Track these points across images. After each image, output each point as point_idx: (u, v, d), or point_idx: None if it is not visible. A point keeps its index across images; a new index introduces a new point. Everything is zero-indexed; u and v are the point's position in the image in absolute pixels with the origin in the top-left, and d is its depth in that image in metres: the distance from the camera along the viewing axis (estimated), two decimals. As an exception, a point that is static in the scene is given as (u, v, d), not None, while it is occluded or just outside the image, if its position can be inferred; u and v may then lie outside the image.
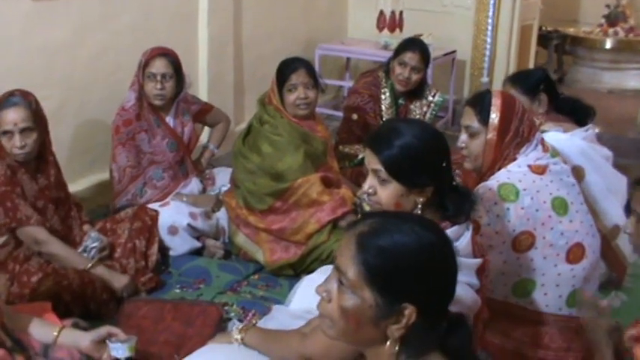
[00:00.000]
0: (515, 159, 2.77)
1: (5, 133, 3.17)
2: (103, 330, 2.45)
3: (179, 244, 3.76)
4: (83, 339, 2.43)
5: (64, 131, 4.16)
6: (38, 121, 3.24)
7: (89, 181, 4.38)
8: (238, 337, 2.42)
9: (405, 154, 2.18)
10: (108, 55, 4.45)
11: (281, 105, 3.78)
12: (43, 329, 2.45)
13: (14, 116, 3.16)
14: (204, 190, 4.17)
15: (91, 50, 4.36)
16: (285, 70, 3.78)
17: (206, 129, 4.56)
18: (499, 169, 2.77)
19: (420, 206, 2.21)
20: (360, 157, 4.38)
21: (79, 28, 4.26)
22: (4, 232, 3.23)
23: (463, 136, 2.85)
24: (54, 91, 4.04)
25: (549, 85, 3.63)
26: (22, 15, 3.94)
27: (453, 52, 6.32)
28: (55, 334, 2.43)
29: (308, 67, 3.82)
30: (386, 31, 6.23)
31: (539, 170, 2.75)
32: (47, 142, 3.36)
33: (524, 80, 3.61)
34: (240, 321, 3.17)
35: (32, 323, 2.46)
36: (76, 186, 4.07)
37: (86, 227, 3.55)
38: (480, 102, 2.81)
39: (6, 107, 3.18)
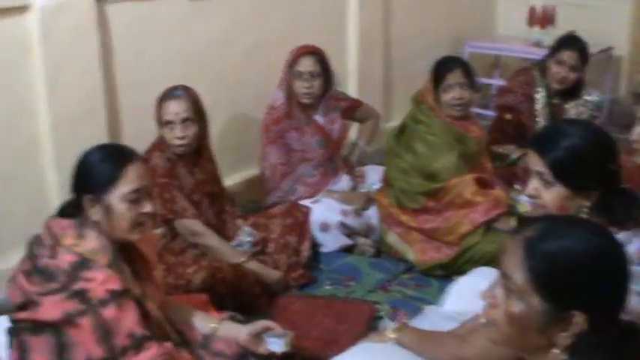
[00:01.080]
0: (698, 157, 2.62)
1: (167, 123, 3.30)
2: (261, 324, 2.48)
3: (330, 241, 3.77)
4: (241, 332, 2.46)
5: (216, 127, 4.24)
6: (198, 114, 3.36)
7: (239, 177, 4.46)
8: (393, 336, 2.40)
9: (571, 155, 2.10)
10: (258, 53, 4.51)
11: (436, 104, 3.74)
12: (203, 321, 2.51)
13: (176, 107, 3.30)
14: (354, 188, 4.15)
15: (242, 48, 4.44)
16: (442, 69, 3.73)
17: (355, 125, 4.57)
18: (676, 166, 2.63)
19: (585, 210, 2.13)
20: (513, 157, 4.29)
21: (232, 27, 4.35)
22: (162, 223, 3.35)
23: (639, 128, 2.72)
24: (207, 88, 4.10)
25: None
26: (179, 14, 4.06)
27: (610, 48, 6.07)
28: (216, 325, 2.48)
29: (465, 66, 3.75)
30: (537, 27, 6.04)
31: None
32: (206, 137, 3.46)
33: None
34: (391, 320, 3.16)
35: (192, 314, 2.52)
36: (226, 181, 4.12)
37: (239, 222, 3.62)
38: None
39: (169, 99, 3.33)
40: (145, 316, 2.21)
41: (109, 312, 2.10)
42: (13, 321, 2.21)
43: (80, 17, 3.57)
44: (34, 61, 3.49)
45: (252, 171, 4.40)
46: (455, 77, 3.67)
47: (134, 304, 2.17)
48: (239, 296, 3.23)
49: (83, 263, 2.13)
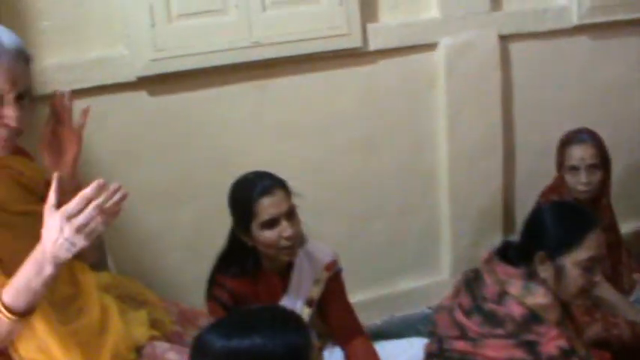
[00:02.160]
0: None
1: (571, 168, 3.20)
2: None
3: None
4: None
5: (615, 172, 4.05)
6: (604, 160, 3.23)
7: (632, 226, 4.21)
8: None
9: None
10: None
11: None
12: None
13: (582, 152, 3.20)
14: None
15: (645, 91, 4.19)
16: None
17: None
18: None
19: None
20: None
21: (635, 66, 4.12)
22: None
23: None
24: (606, 132, 3.93)
25: None
26: (581, 54, 3.95)
27: None
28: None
29: None
30: None
31: None
32: (607, 184, 3.31)
33: None
34: None
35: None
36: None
37: (636, 276, 3.41)
38: None
39: (574, 143, 3.24)
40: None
41: None
42: (441, 348, 2.27)
43: (483, 55, 3.63)
44: (438, 96, 3.62)
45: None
46: None
47: None
48: (636, 357, 3.01)
49: (534, 317, 2.13)
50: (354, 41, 3.38)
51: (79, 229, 1.55)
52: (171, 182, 3.24)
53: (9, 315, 1.63)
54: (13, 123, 1.71)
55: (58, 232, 1.56)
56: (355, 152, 3.53)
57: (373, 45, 3.44)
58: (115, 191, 1.59)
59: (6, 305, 1.63)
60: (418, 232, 3.73)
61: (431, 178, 3.68)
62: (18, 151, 1.93)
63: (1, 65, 1.68)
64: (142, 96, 3.17)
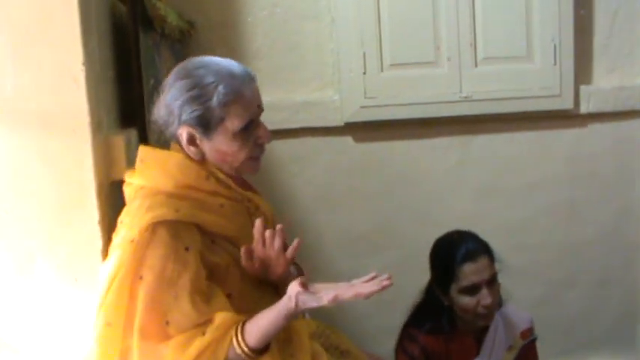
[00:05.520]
0: None
1: None
2: None
3: None
4: None
5: None
6: None
7: None
8: None
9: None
10: None
11: None
12: None
13: None
14: None
15: None
16: None
17: None
18: None
19: None
20: None
21: None
22: None
23: None
24: None
25: None
26: None
27: None
28: None
29: None
30: None
31: None
32: None
33: None
34: None
35: None
36: None
37: None
38: None
39: None
40: None
41: None
42: None
43: None
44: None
45: None
46: None
47: None
48: None
49: None
50: (565, 103, 3.29)
51: (335, 300, 1.59)
52: (367, 229, 3.25)
53: (254, 357, 1.65)
54: (268, 139, 1.84)
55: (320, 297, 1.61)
56: (556, 216, 3.41)
57: (584, 108, 3.34)
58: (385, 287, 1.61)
59: (253, 349, 1.64)
60: (615, 306, 3.52)
61: (635, 250, 3.49)
62: (252, 188, 1.99)
63: (251, 93, 1.80)
64: (347, 141, 3.22)
